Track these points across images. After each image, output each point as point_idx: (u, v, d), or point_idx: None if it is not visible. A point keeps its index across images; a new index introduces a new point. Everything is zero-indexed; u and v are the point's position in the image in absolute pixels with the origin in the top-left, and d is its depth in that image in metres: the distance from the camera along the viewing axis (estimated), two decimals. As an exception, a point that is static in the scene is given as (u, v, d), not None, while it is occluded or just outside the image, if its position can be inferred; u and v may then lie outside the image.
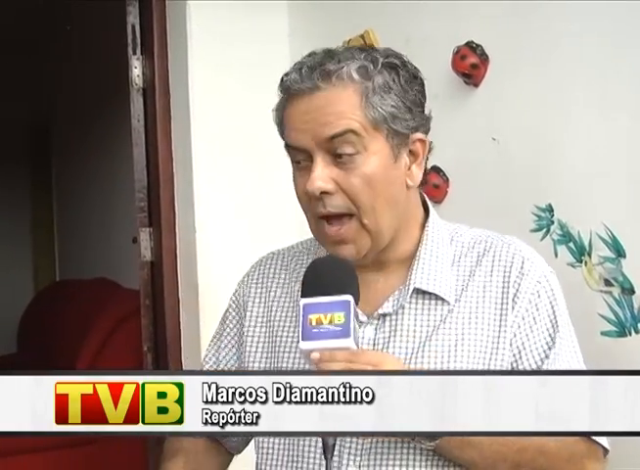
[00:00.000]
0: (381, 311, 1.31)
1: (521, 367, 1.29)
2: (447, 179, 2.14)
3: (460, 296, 1.31)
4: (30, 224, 6.02)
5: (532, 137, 1.93)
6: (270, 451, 1.37)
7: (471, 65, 2.03)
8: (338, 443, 1.24)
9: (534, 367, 1.29)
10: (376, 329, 1.31)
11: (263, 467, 1.38)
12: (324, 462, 1.17)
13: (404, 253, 1.34)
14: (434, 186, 2.14)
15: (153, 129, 2.86)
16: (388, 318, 1.31)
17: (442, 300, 1.31)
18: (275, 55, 2.72)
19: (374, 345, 1.30)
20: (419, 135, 1.30)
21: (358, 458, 1.28)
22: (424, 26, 2.18)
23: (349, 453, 1.28)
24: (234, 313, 1.50)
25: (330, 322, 1.14)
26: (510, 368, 1.29)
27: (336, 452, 1.26)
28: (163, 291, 2.83)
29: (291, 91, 1.28)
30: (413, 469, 1.27)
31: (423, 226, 1.37)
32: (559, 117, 1.85)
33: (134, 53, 2.91)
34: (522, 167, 1.94)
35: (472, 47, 2.03)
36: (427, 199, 1.40)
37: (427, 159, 1.35)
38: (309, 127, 1.26)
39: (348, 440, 1.28)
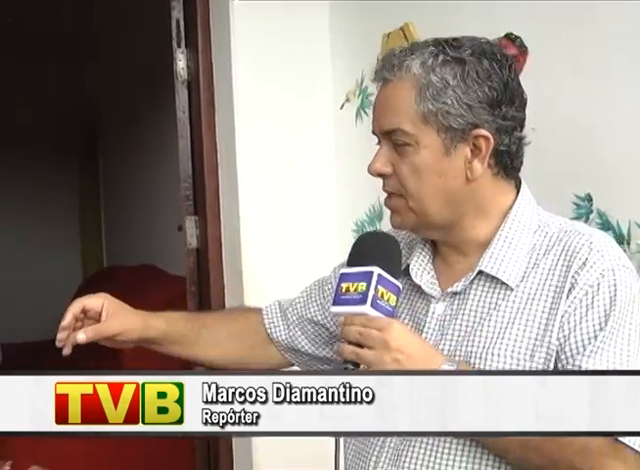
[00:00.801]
0: (450, 290, 1.38)
1: (562, 357, 1.28)
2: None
3: (522, 282, 1.34)
4: (78, 212, 6.12)
5: (571, 127, 1.93)
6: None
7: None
8: None
9: (570, 359, 1.27)
10: (445, 306, 1.38)
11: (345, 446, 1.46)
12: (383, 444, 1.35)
13: (483, 237, 1.38)
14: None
15: (197, 121, 2.92)
16: (456, 297, 1.38)
17: (506, 284, 1.34)
18: (316, 50, 2.78)
19: (442, 321, 1.38)
20: (481, 132, 1.32)
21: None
22: (463, 20, 2.21)
23: None
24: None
25: (355, 290, 1.26)
26: (555, 357, 1.28)
27: None
28: (209, 278, 2.89)
29: (375, 80, 1.38)
30: (440, 442, 1.32)
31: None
32: (598, 106, 1.85)
33: (179, 46, 2.97)
34: (561, 157, 1.96)
35: (511, 38, 2.06)
36: (524, 187, 1.42)
37: (503, 153, 1.35)
38: (376, 117, 1.37)
39: None
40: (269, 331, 1.65)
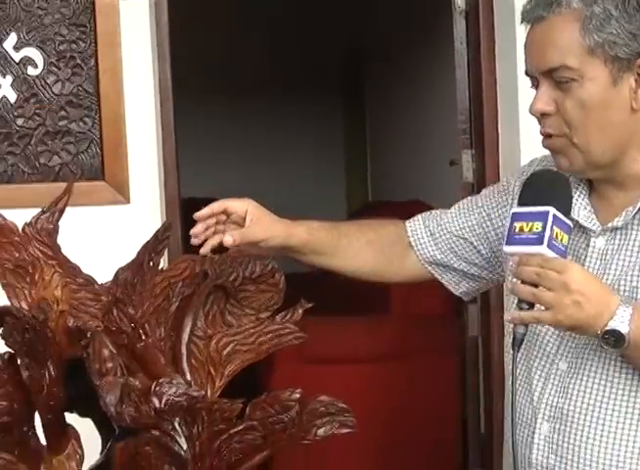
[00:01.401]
0: (611, 225, 1.39)
1: None
2: None
3: None
4: (344, 146, 6.26)
5: None
6: None
7: None
8: (560, 340, 1.40)
9: None
10: (606, 241, 1.39)
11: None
12: (555, 346, 1.40)
13: None
14: None
15: (475, 52, 2.89)
16: (618, 232, 1.39)
17: None
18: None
19: (604, 254, 1.39)
20: None
21: (571, 355, 1.40)
22: None
23: (567, 351, 1.40)
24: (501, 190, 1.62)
25: (529, 230, 1.27)
26: None
27: (555, 348, 1.41)
28: (484, 212, 2.87)
29: (524, 20, 1.39)
30: (609, 376, 1.35)
31: None
32: None
33: (457, -24, 2.93)
34: None
35: None
36: None
37: None
38: (534, 57, 1.38)
39: (570, 340, 1.39)
40: (413, 242, 1.66)
